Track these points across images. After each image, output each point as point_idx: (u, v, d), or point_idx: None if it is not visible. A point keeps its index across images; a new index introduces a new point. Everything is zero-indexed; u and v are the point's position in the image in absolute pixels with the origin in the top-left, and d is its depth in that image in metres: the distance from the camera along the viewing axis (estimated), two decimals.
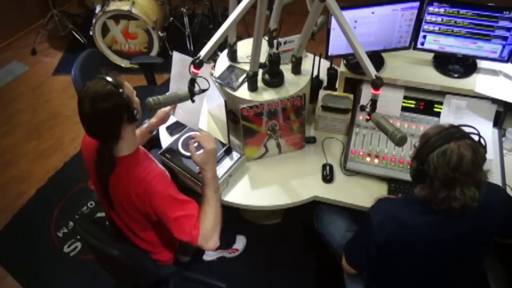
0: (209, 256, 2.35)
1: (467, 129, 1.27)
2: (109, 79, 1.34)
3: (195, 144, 1.62)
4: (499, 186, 1.52)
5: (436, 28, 1.82)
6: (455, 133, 1.24)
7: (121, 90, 1.35)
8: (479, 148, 1.23)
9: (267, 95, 1.85)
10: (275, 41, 1.82)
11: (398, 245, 1.35)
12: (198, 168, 1.80)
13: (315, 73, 1.98)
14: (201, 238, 1.45)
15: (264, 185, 1.84)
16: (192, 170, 1.82)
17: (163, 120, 1.90)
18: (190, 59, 1.75)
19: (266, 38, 1.85)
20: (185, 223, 1.44)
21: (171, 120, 1.98)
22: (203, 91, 1.61)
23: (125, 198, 1.47)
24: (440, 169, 1.22)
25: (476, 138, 1.26)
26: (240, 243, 2.40)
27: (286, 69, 1.94)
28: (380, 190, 1.77)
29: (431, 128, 1.32)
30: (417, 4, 1.75)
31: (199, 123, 1.90)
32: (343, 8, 1.59)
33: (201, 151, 1.57)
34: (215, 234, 1.48)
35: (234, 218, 2.49)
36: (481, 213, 1.31)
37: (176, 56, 1.85)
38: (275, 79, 1.88)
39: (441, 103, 1.91)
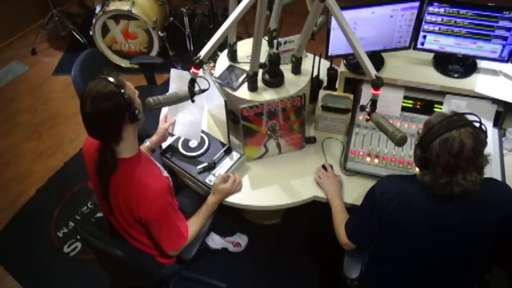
0: (216, 243, 2.33)
1: (468, 116, 1.30)
2: (111, 79, 1.35)
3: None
4: (506, 184, 1.53)
5: (436, 28, 1.82)
6: (457, 121, 1.26)
7: (122, 90, 1.35)
8: (480, 135, 1.26)
9: (267, 95, 1.85)
10: (275, 41, 1.82)
11: (399, 216, 1.37)
12: (199, 167, 1.80)
13: (315, 73, 1.98)
14: (179, 248, 1.62)
15: (264, 185, 1.84)
16: (192, 170, 1.82)
17: (164, 137, 1.92)
18: (188, 74, 1.76)
19: (266, 38, 1.85)
20: (174, 237, 1.58)
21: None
22: (203, 91, 1.61)
23: (124, 200, 1.47)
24: (442, 157, 1.25)
25: (476, 124, 1.29)
26: (243, 239, 2.40)
27: (286, 69, 1.94)
28: None
29: (434, 116, 1.35)
30: (417, 4, 1.75)
31: (199, 136, 1.91)
32: (343, 8, 1.59)
33: (229, 183, 1.74)
34: (187, 247, 1.67)
35: (235, 218, 2.49)
36: (482, 205, 1.35)
37: (174, 73, 1.86)
38: (275, 79, 1.89)
39: (441, 103, 1.91)
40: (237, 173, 1.81)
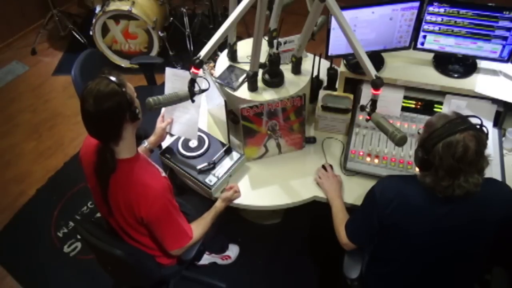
0: (201, 260, 2.33)
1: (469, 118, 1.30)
2: (112, 78, 1.35)
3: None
4: (506, 184, 1.53)
5: (436, 28, 1.82)
6: (460, 124, 1.26)
7: (124, 89, 1.35)
8: (482, 137, 1.26)
9: (267, 95, 1.85)
10: (275, 41, 1.82)
11: (399, 216, 1.37)
12: (199, 167, 1.80)
13: (315, 73, 1.98)
14: (184, 247, 1.62)
15: (264, 185, 1.84)
16: (192, 170, 1.82)
17: (161, 137, 1.92)
18: (183, 72, 1.77)
19: (266, 38, 1.85)
20: (178, 236, 1.58)
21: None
22: (203, 91, 1.61)
23: (124, 201, 1.47)
24: (445, 160, 1.25)
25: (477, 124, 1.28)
26: (233, 251, 2.39)
27: (286, 69, 1.94)
28: None
29: (435, 117, 1.34)
30: (417, 4, 1.75)
31: (197, 134, 1.91)
32: (343, 8, 1.59)
33: (231, 192, 1.77)
34: (189, 248, 1.68)
35: (230, 224, 2.47)
36: (482, 205, 1.35)
37: (169, 72, 1.86)
38: (275, 79, 1.89)
39: (441, 103, 1.91)
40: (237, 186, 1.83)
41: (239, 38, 2.08)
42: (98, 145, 1.44)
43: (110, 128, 1.38)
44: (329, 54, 1.89)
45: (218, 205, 1.75)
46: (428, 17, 1.80)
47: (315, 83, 2.02)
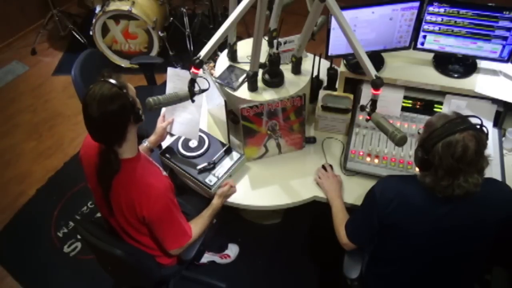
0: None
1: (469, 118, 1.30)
2: (113, 81, 1.35)
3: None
4: (506, 184, 1.54)
5: (436, 28, 1.82)
6: (460, 124, 1.26)
7: (125, 91, 1.35)
8: (482, 137, 1.26)
9: (267, 95, 1.85)
10: (275, 41, 1.82)
11: (399, 216, 1.37)
12: (199, 167, 1.80)
13: (315, 73, 1.98)
14: (183, 246, 1.63)
15: (264, 185, 1.84)
16: (192, 170, 1.82)
17: (162, 137, 1.93)
18: (184, 72, 1.77)
19: (266, 38, 1.85)
20: (179, 235, 1.59)
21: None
22: (203, 91, 1.61)
23: (126, 201, 1.47)
24: (445, 160, 1.25)
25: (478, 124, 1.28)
26: (232, 250, 2.39)
27: (286, 69, 1.94)
28: None
29: (435, 117, 1.34)
30: (417, 4, 1.75)
31: (198, 135, 1.91)
32: (343, 8, 1.59)
33: (226, 187, 1.77)
34: (189, 247, 1.69)
35: (230, 224, 2.47)
36: (482, 205, 1.35)
37: (171, 72, 1.86)
38: (275, 79, 1.89)
39: (441, 103, 1.91)
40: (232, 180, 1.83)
41: (239, 38, 2.08)
42: (99, 146, 1.43)
43: (115, 132, 1.38)
44: (329, 54, 1.89)
45: (215, 202, 1.75)
46: (428, 17, 1.80)
47: (315, 83, 2.02)
